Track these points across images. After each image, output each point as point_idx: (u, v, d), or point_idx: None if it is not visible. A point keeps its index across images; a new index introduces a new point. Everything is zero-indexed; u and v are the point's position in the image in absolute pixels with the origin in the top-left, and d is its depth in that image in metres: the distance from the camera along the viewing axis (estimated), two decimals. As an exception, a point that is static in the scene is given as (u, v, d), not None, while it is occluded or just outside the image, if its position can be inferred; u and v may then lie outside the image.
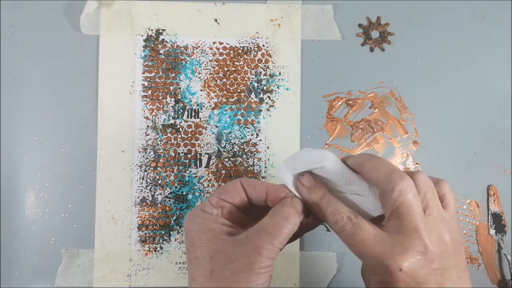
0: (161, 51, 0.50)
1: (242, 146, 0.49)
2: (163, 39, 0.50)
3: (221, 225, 0.30)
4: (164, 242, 0.48)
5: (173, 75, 0.49)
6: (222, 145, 0.49)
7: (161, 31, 0.50)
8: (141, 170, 0.49)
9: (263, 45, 0.50)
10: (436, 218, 0.28)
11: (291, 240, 0.32)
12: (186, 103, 0.49)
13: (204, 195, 0.49)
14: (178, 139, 0.49)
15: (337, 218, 0.29)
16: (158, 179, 0.49)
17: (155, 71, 0.49)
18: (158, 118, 0.49)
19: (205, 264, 0.28)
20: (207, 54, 0.50)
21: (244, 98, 0.50)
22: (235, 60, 0.50)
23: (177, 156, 0.49)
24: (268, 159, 0.49)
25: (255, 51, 0.50)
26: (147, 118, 0.49)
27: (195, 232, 0.30)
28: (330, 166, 0.30)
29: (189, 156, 0.49)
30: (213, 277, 0.28)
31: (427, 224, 0.28)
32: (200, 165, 0.49)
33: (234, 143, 0.49)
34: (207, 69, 0.50)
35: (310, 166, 0.31)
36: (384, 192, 0.28)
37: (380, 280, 0.28)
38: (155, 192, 0.49)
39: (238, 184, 0.32)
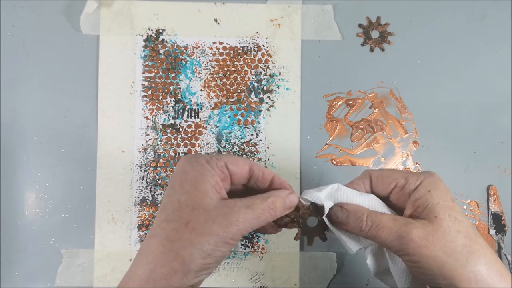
0: (161, 51, 0.50)
1: (242, 146, 0.49)
2: (163, 39, 0.50)
3: (214, 185, 0.30)
4: (164, 242, 0.48)
5: (173, 75, 0.49)
6: (222, 145, 0.49)
7: (161, 31, 0.50)
8: (141, 170, 0.49)
9: (263, 45, 0.50)
10: None
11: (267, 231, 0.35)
12: (186, 103, 0.49)
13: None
14: (178, 139, 0.49)
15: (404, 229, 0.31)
16: (158, 179, 0.49)
17: (155, 71, 0.49)
18: (158, 118, 0.49)
19: (185, 213, 0.29)
20: (207, 54, 0.50)
21: (244, 98, 0.50)
22: (235, 60, 0.50)
23: (177, 156, 0.49)
24: (268, 159, 0.49)
25: (255, 51, 0.50)
26: (147, 118, 0.49)
27: (191, 177, 0.30)
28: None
29: (189, 156, 0.49)
30: (188, 227, 0.28)
31: None
32: (200, 165, 0.49)
33: (234, 143, 0.49)
34: (207, 69, 0.50)
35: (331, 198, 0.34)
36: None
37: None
38: (155, 192, 0.49)
39: (247, 164, 0.33)
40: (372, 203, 0.33)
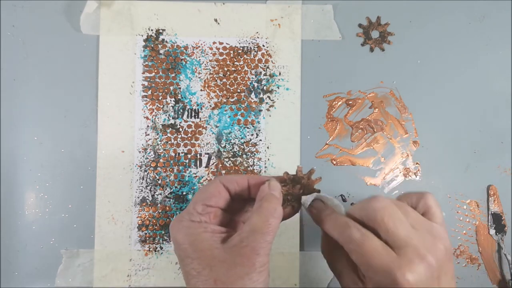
0: (161, 51, 0.50)
1: (242, 146, 0.49)
2: (163, 39, 0.50)
3: (212, 233, 0.30)
4: (164, 242, 0.48)
5: (173, 75, 0.49)
6: (222, 145, 0.49)
7: (161, 31, 0.50)
8: (141, 170, 0.49)
9: (263, 45, 0.50)
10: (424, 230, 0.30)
11: None
12: (186, 103, 0.49)
13: (204, 195, 0.49)
14: (178, 139, 0.49)
15: (344, 227, 0.30)
16: (158, 179, 0.49)
17: (155, 71, 0.49)
18: (158, 118, 0.49)
19: (207, 275, 0.29)
20: (207, 54, 0.50)
21: (244, 98, 0.50)
22: (235, 60, 0.50)
23: (177, 156, 0.49)
24: (268, 159, 0.49)
25: (255, 51, 0.50)
26: (147, 118, 0.49)
27: (188, 244, 0.30)
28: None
29: (189, 156, 0.49)
30: (218, 284, 0.28)
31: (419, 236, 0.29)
32: (200, 165, 0.49)
33: (234, 143, 0.49)
34: (207, 69, 0.50)
35: (320, 198, 0.35)
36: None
37: None
38: (155, 192, 0.49)
39: (220, 185, 0.33)
40: None
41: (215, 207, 0.32)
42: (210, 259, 0.29)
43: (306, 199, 0.34)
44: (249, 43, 0.50)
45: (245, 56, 0.50)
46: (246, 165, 0.49)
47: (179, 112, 0.49)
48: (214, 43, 0.50)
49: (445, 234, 0.31)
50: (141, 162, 0.49)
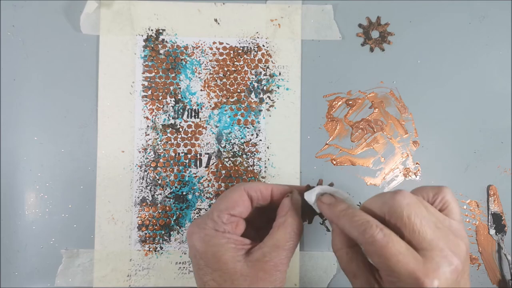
0: (161, 51, 0.50)
1: (242, 146, 0.49)
2: (163, 39, 0.50)
3: (235, 245, 0.30)
4: (164, 242, 0.48)
5: (173, 75, 0.49)
6: (222, 145, 0.49)
7: (161, 31, 0.50)
8: (141, 170, 0.49)
9: (263, 45, 0.50)
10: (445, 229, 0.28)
11: None
12: (186, 103, 0.49)
13: (204, 195, 0.49)
14: (178, 139, 0.49)
15: (366, 226, 0.28)
16: (158, 179, 0.49)
17: (155, 71, 0.49)
18: (158, 118, 0.49)
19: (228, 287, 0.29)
20: (207, 54, 0.50)
21: (244, 98, 0.50)
22: (235, 60, 0.50)
23: (177, 156, 0.49)
24: (268, 159, 0.49)
25: (255, 51, 0.50)
26: (147, 118, 0.49)
27: (211, 254, 0.29)
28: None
29: (189, 156, 0.49)
30: None
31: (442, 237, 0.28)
32: (200, 165, 0.49)
33: (234, 143, 0.49)
34: (207, 69, 0.50)
35: (326, 190, 0.33)
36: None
37: None
38: (155, 192, 0.49)
39: (244, 193, 0.32)
40: None
41: (238, 217, 0.31)
42: (232, 272, 0.29)
43: (311, 194, 0.33)
44: (249, 43, 0.50)
45: (245, 56, 0.50)
46: (246, 165, 0.49)
47: (179, 112, 0.49)
48: (214, 43, 0.50)
49: (464, 231, 0.29)
50: (141, 162, 0.49)
